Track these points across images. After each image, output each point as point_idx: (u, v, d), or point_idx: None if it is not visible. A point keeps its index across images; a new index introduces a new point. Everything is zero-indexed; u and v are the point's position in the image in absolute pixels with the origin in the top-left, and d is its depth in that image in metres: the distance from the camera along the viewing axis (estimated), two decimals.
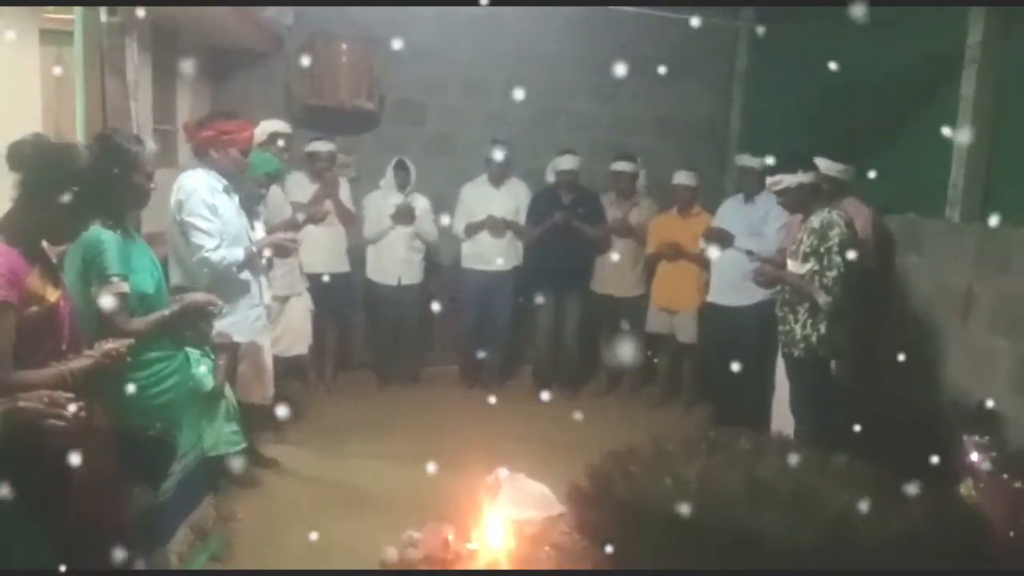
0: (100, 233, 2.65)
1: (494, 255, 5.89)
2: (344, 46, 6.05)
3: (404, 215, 5.77)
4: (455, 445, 4.51)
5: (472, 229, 5.91)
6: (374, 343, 6.19)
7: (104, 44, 4.42)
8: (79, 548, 2.20)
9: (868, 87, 4.67)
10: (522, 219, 5.96)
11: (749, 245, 4.74)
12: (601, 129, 6.78)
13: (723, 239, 4.96)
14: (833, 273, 3.44)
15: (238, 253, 3.65)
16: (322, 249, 5.41)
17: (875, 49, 4.56)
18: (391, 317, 5.92)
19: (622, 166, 5.93)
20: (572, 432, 4.75)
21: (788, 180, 3.61)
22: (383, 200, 5.81)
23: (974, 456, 2.72)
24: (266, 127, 4.97)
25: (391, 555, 3.20)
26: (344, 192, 5.67)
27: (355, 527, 3.52)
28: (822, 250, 3.47)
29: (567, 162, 5.85)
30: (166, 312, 2.81)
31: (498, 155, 5.79)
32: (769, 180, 3.73)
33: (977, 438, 2.73)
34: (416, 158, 6.40)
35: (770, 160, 3.85)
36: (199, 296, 2.98)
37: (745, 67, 6.76)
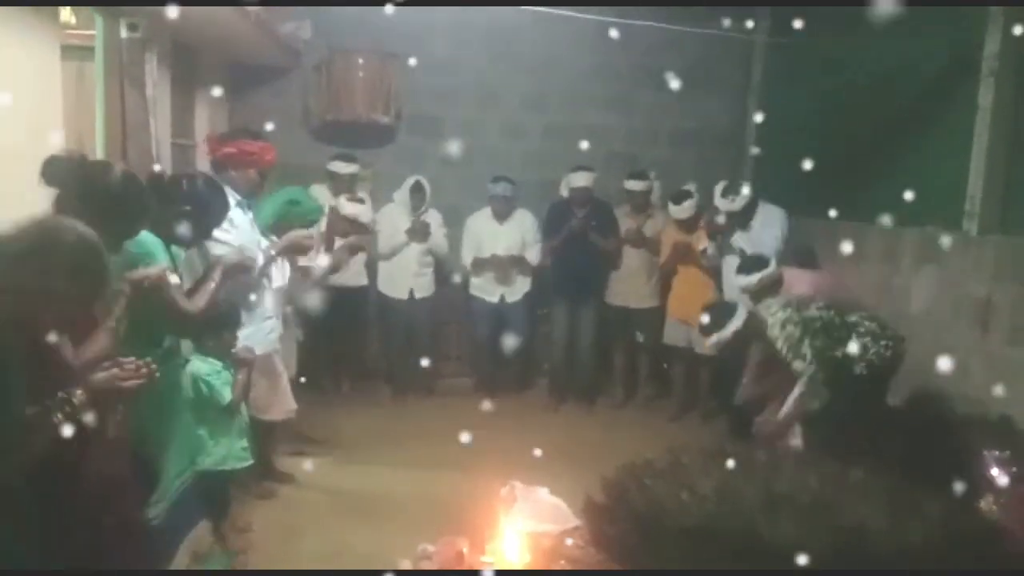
0: (145, 236, 2.68)
1: (501, 289, 5.90)
2: (361, 60, 6.11)
3: (419, 232, 5.79)
4: (469, 457, 4.48)
5: (478, 265, 5.90)
6: (387, 354, 6.20)
7: (124, 59, 4.48)
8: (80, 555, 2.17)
9: (885, 98, 4.65)
10: (529, 252, 5.91)
11: None
12: (617, 141, 6.79)
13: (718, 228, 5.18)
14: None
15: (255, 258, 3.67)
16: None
17: (891, 60, 4.55)
18: (404, 329, 5.94)
19: (635, 184, 5.90)
20: (587, 444, 4.74)
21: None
22: (397, 216, 5.83)
23: (994, 470, 2.68)
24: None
25: (405, 568, 3.19)
26: (367, 210, 5.65)
27: (369, 539, 3.52)
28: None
29: (581, 179, 5.83)
30: (212, 282, 2.84)
31: (500, 190, 5.77)
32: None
33: (997, 452, 2.69)
34: (432, 171, 6.45)
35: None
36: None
37: (760, 79, 6.75)
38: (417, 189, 5.81)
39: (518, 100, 6.49)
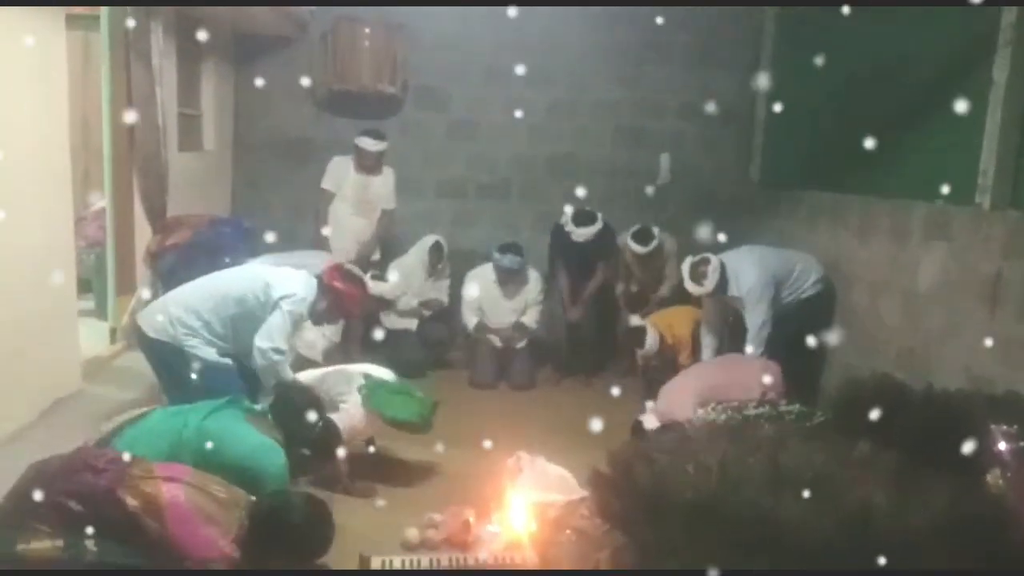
0: None
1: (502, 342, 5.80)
2: (367, 30, 6.06)
3: (432, 307, 5.82)
4: (476, 430, 4.51)
5: (480, 329, 5.73)
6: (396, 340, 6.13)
7: (129, 29, 4.45)
8: None
9: (896, 72, 4.59)
10: (530, 316, 5.77)
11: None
12: (624, 115, 6.72)
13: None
14: None
15: (287, 371, 3.69)
16: None
17: (903, 33, 4.49)
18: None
19: (639, 249, 5.60)
20: (593, 418, 4.75)
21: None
22: (412, 275, 5.68)
23: (1001, 445, 2.68)
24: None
25: (412, 536, 3.22)
26: (388, 181, 5.62)
27: (377, 509, 3.54)
28: None
29: (583, 234, 5.57)
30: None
31: (508, 263, 5.57)
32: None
33: (1005, 427, 2.68)
34: (438, 143, 6.41)
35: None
36: None
37: (771, 52, 6.67)
38: (436, 249, 5.75)
39: (524, 74, 6.43)
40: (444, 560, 2.87)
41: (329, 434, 3.23)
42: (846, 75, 5.20)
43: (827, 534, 2.42)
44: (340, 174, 5.70)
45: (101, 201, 4.92)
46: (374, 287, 5.01)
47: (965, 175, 3.89)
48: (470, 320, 5.68)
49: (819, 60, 5.69)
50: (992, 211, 3.75)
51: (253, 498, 2.60)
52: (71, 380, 3.85)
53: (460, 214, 6.65)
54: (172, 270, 4.76)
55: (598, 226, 5.54)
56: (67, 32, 3.78)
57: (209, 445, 2.77)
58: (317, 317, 3.85)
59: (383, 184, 5.77)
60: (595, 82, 6.61)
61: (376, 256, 5.86)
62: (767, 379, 4.07)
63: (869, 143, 4.66)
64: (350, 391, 3.76)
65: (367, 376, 3.86)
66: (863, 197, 4.88)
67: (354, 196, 5.73)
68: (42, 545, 2.31)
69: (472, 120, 6.59)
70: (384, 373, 4.02)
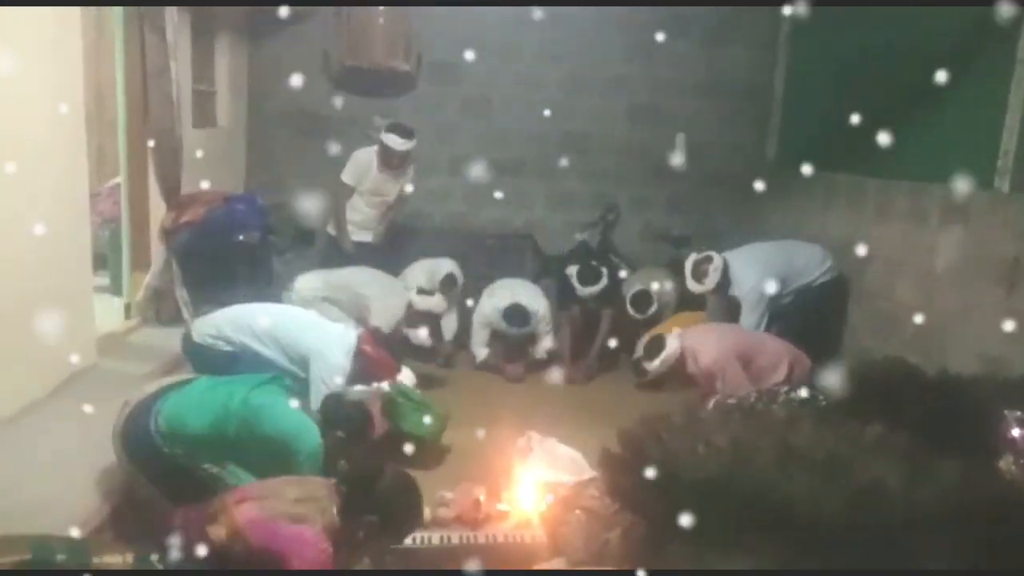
0: None
1: None
2: (380, 7, 6.01)
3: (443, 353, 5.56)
4: (487, 410, 4.54)
5: (489, 360, 5.53)
6: None
7: (143, 4, 4.44)
8: None
9: (917, 49, 4.51)
10: (541, 348, 5.55)
11: None
12: (640, 93, 6.67)
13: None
14: None
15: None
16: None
17: (924, 11, 4.41)
18: None
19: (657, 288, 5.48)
20: (603, 399, 4.76)
21: None
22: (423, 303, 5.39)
23: (1015, 431, 2.66)
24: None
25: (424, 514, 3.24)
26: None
27: None
28: None
29: (588, 292, 5.45)
30: None
31: (516, 329, 5.37)
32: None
33: (1019, 413, 2.66)
34: (451, 119, 6.38)
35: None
36: None
37: (789, 28, 6.58)
38: (449, 281, 5.53)
39: (538, 50, 6.38)
40: (455, 538, 2.89)
41: (364, 419, 3.25)
42: (865, 54, 5.13)
43: (838, 514, 2.43)
44: (362, 170, 5.53)
45: (116, 177, 4.94)
46: (421, 302, 5.03)
47: (985, 158, 3.83)
48: (479, 352, 5.51)
49: (838, 38, 5.64)
50: (1011, 194, 3.70)
51: (333, 481, 2.60)
52: (86, 355, 3.89)
53: (473, 191, 6.64)
54: (186, 247, 4.79)
55: (603, 284, 5.44)
56: (81, 7, 3.77)
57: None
58: (348, 378, 3.74)
59: (405, 182, 5.60)
60: (610, 58, 6.55)
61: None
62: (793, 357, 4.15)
63: (888, 123, 4.58)
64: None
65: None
66: (880, 179, 4.82)
67: (372, 190, 5.58)
68: (113, 559, 2.35)
69: (486, 96, 6.56)
70: (406, 377, 4.07)
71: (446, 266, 5.61)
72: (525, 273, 6.12)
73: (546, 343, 5.53)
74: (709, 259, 4.76)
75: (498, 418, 4.21)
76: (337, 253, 5.50)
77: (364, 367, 3.74)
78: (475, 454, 3.78)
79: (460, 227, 6.55)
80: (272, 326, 3.68)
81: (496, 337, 5.51)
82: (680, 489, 2.51)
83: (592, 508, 2.90)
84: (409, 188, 5.71)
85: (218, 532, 2.36)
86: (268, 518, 2.39)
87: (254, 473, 2.85)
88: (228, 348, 3.65)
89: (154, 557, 2.37)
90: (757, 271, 4.73)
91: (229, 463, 2.86)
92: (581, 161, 6.55)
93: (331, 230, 5.63)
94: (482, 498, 3.29)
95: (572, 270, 5.58)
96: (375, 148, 5.50)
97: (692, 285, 4.84)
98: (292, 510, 2.44)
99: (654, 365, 4.18)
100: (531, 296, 5.47)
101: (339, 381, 3.57)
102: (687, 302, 5.35)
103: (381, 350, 3.87)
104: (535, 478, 3.32)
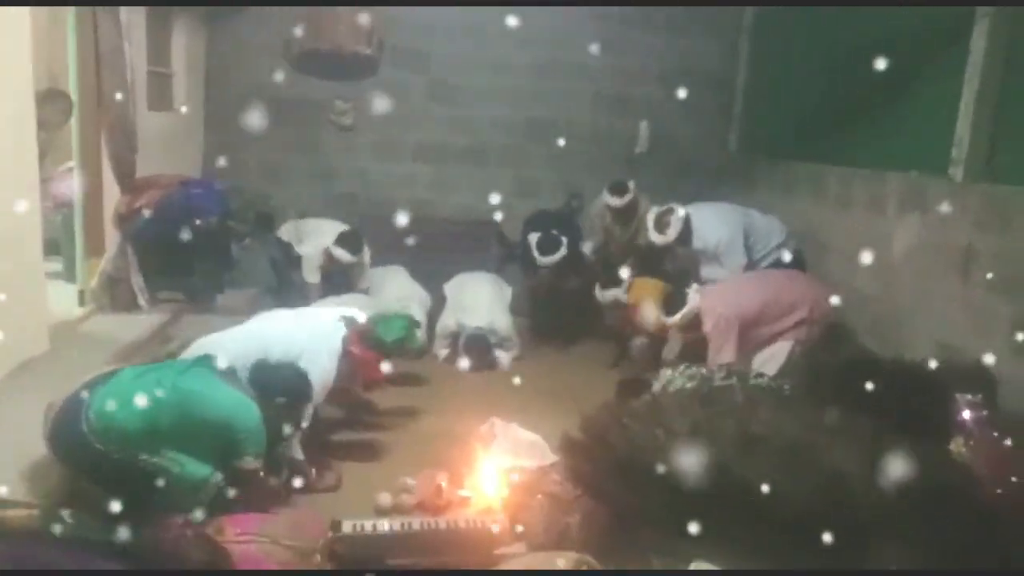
0: None
1: None
2: None
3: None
4: (449, 395, 4.53)
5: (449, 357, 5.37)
6: None
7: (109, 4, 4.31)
8: None
9: (877, 40, 4.58)
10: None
11: None
12: (605, 80, 6.67)
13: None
14: None
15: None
16: None
17: (884, 4, 4.46)
18: None
19: (615, 201, 5.47)
20: (566, 384, 4.77)
21: None
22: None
23: (966, 414, 2.72)
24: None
25: (385, 501, 3.22)
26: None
27: (350, 474, 3.54)
28: None
29: (547, 262, 5.43)
30: None
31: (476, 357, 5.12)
32: None
33: (969, 396, 2.73)
34: (417, 106, 6.32)
35: None
36: None
37: (752, 19, 6.63)
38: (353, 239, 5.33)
39: (506, 37, 6.33)
40: (416, 524, 2.87)
41: (302, 380, 3.21)
42: (826, 45, 5.19)
43: (798, 498, 2.46)
44: (314, 264, 5.29)
45: (69, 162, 4.81)
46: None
47: (940, 147, 3.90)
48: (440, 353, 5.31)
49: (799, 31, 5.69)
50: (965, 183, 3.77)
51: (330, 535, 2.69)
52: (39, 342, 3.79)
53: (437, 178, 6.60)
54: (142, 232, 4.69)
55: (562, 253, 5.43)
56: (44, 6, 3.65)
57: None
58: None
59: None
60: (577, 45, 6.53)
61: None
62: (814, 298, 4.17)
63: (847, 114, 4.67)
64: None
65: (347, 317, 3.75)
66: (840, 168, 4.89)
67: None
68: (17, 514, 2.30)
69: (451, 82, 6.51)
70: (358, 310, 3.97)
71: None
72: (490, 261, 6.09)
73: (507, 359, 5.36)
74: (671, 210, 4.83)
75: (461, 405, 4.21)
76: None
77: (350, 365, 3.66)
78: (437, 441, 3.78)
79: (425, 215, 6.49)
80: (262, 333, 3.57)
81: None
82: (640, 474, 2.54)
83: (553, 493, 2.91)
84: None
85: (199, 556, 2.38)
86: (262, 554, 2.43)
87: (195, 456, 2.80)
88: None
89: (66, 512, 2.33)
90: (722, 224, 4.81)
91: (167, 451, 2.79)
92: (547, 149, 6.53)
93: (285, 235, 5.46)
94: (444, 484, 3.29)
95: (533, 238, 5.54)
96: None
97: (655, 236, 4.88)
98: (287, 558, 2.53)
99: (675, 319, 4.16)
100: (492, 311, 5.31)
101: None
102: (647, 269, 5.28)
103: (368, 351, 3.74)
104: (497, 464, 3.32)
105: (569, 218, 6.09)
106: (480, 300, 5.39)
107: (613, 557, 2.13)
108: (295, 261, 5.34)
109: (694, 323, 4.13)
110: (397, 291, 5.27)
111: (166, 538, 2.41)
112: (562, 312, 5.75)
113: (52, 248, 4.63)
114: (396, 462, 3.65)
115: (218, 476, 2.83)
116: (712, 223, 4.83)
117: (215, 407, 2.86)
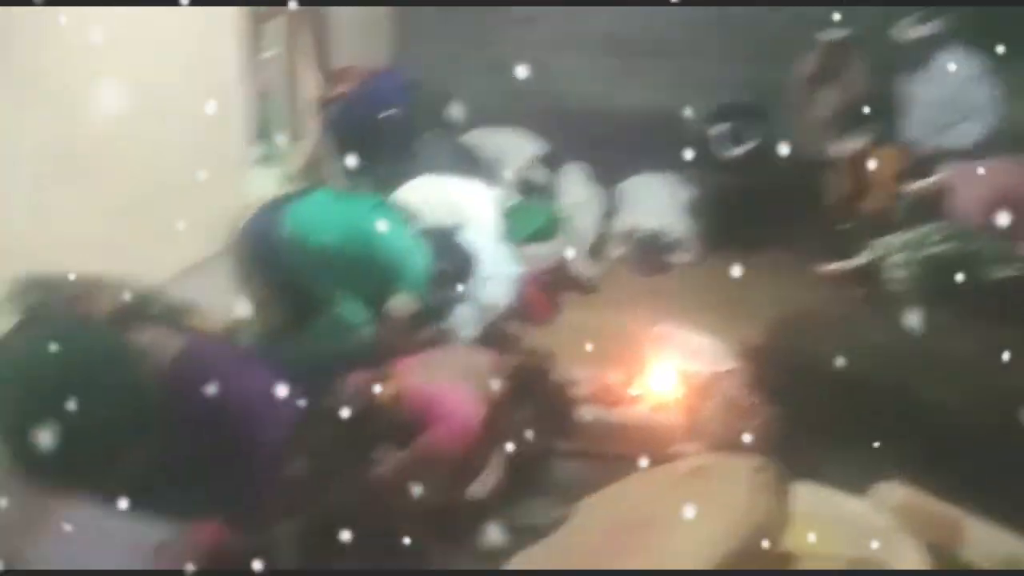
0: None
1: None
2: None
3: None
4: (622, 298, 4.46)
5: None
6: None
7: None
8: None
9: None
10: None
11: None
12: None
13: None
14: None
15: None
16: None
17: None
18: None
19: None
20: (743, 292, 4.57)
21: None
22: None
23: None
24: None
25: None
26: None
27: None
28: None
29: None
30: None
31: None
32: None
33: None
34: None
35: None
36: None
37: None
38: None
39: None
40: (588, 416, 2.93)
41: (467, 261, 3.27)
42: None
43: (971, 419, 2.33)
44: None
45: (274, 48, 5.04)
46: None
47: None
48: (614, 253, 5.21)
49: None
50: None
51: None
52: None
53: (621, 71, 6.36)
54: (338, 119, 4.91)
55: (755, 142, 5.26)
56: None
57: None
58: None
59: None
60: None
61: None
62: None
63: None
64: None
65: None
66: None
67: None
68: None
69: None
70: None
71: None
72: (672, 159, 5.81)
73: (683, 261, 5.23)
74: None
75: (633, 308, 4.13)
76: None
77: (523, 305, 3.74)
78: (606, 341, 3.74)
79: (605, 109, 6.27)
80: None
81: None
82: (819, 383, 2.48)
83: (731, 398, 2.86)
84: None
85: (384, 392, 2.51)
86: (428, 384, 2.53)
87: (362, 300, 2.88)
88: None
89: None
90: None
91: (341, 291, 2.87)
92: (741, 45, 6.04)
93: None
94: (615, 380, 3.30)
95: (721, 127, 5.38)
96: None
97: None
98: (452, 379, 2.56)
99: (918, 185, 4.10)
100: (668, 212, 5.23)
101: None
102: None
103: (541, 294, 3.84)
104: (670, 366, 3.29)
105: (763, 111, 5.72)
106: (656, 201, 5.27)
107: (791, 465, 2.08)
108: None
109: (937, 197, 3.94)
110: (573, 195, 5.21)
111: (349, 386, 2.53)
112: (748, 216, 5.44)
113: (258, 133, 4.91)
114: (565, 354, 3.66)
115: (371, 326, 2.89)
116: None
117: (394, 242, 2.93)
